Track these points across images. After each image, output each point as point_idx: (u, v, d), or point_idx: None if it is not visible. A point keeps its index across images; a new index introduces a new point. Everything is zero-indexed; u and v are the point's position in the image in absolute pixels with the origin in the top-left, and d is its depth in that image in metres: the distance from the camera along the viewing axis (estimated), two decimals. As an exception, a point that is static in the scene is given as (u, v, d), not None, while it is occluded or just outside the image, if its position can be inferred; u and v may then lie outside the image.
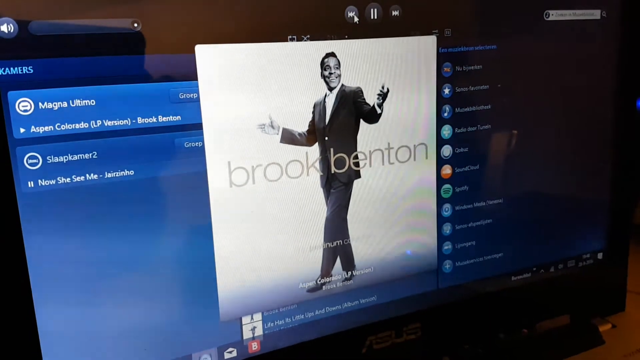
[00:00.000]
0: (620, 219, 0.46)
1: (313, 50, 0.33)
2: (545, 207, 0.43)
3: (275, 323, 0.35)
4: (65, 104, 0.28)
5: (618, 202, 0.45)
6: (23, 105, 0.27)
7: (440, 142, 0.38)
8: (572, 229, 0.44)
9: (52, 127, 0.28)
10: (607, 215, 0.45)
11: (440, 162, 0.38)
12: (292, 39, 0.32)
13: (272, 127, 0.33)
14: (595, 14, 0.41)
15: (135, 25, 0.28)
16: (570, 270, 0.45)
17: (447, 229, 0.39)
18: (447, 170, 0.38)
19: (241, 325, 0.34)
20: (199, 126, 0.31)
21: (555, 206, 0.43)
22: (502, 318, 0.43)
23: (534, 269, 0.43)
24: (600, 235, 0.46)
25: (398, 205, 0.37)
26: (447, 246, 0.40)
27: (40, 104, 0.27)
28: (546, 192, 0.42)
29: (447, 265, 0.40)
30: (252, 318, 0.34)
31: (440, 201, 0.39)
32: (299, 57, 0.33)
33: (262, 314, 0.35)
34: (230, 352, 0.34)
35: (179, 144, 0.30)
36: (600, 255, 0.46)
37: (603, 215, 0.45)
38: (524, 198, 0.42)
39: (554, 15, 0.39)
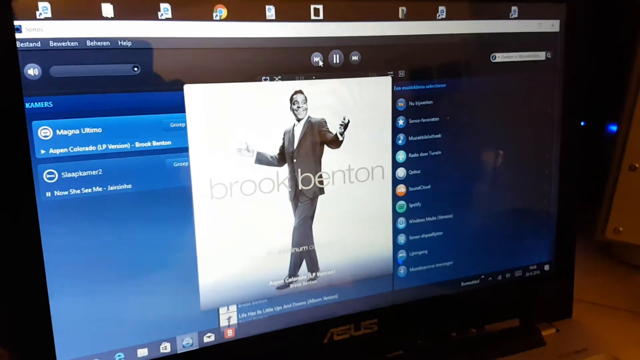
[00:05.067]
0: (565, 235, 0.51)
1: (283, 88, 0.39)
2: (492, 223, 0.48)
3: (249, 314, 0.42)
4: (77, 131, 0.35)
5: (562, 220, 0.51)
6: (44, 132, 0.34)
7: (395, 165, 0.44)
8: (518, 244, 0.50)
9: (66, 149, 0.35)
10: (552, 231, 0.51)
11: (395, 182, 0.44)
12: (265, 79, 0.39)
13: (248, 150, 0.39)
14: (540, 55, 0.47)
15: (135, 69, 0.35)
16: (518, 279, 0.51)
17: (401, 239, 0.46)
18: (401, 189, 0.45)
19: (219, 314, 0.41)
20: (185, 149, 0.38)
21: (502, 223, 0.49)
22: (454, 319, 0.49)
23: (482, 276, 0.49)
24: (546, 249, 0.51)
25: (357, 218, 0.44)
26: (402, 254, 0.46)
27: (57, 131, 0.34)
28: (493, 210, 0.48)
29: (402, 270, 0.46)
30: (228, 309, 0.41)
31: (395, 215, 0.45)
32: (271, 94, 0.39)
33: (237, 305, 0.41)
34: (209, 337, 0.41)
35: (169, 163, 0.37)
36: (547, 267, 0.52)
37: (548, 232, 0.51)
38: (472, 214, 0.47)
39: (500, 57, 0.46)
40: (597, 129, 0.74)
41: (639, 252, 0.65)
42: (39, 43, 0.33)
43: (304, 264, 0.43)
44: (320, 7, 0.39)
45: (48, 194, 0.35)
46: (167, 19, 0.36)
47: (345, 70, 0.41)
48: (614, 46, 0.65)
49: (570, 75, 0.48)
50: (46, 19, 0.33)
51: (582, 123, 0.80)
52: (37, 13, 0.33)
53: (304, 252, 0.43)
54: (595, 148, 0.66)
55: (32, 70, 0.33)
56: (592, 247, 0.69)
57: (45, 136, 0.34)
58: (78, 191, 0.35)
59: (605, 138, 0.71)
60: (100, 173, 0.36)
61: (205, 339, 0.41)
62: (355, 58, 0.41)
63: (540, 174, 0.49)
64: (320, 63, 0.40)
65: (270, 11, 0.38)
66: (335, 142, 0.42)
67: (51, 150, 0.34)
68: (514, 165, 0.48)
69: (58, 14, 0.33)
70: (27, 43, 0.33)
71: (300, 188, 0.41)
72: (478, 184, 0.47)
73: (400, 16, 0.42)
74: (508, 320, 0.52)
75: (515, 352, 0.48)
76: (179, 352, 0.40)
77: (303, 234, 0.42)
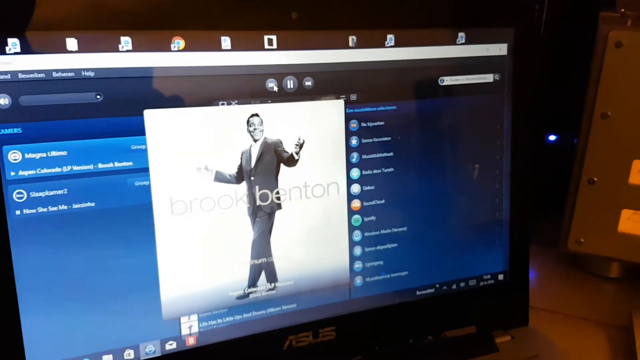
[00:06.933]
0: (518, 247, 0.54)
1: (240, 112, 0.42)
2: (446, 235, 0.51)
3: (209, 323, 0.45)
4: (44, 154, 0.38)
5: (515, 232, 0.54)
6: (13, 156, 0.37)
7: (349, 181, 0.47)
8: (471, 255, 0.52)
9: (34, 171, 0.38)
10: (505, 243, 0.54)
11: (350, 197, 0.47)
12: (222, 104, 0.42)
13: (207, 170, 0.42)
14: (488, 78, 0.50)
15: (98, 97, 0.38)
16: (472, 289, 0.53)
17: (357, 251, 0.48)
18: (356, 203, 0.48)
19: (180, 323, 0.43)
20: (146, 169, 0.40)
21: (455, 235, 0.51)
22: (410, 326, 0.52)
23: (437, 285, 0.52)
24: (500, 259, 0.54)
25: (314, 232, 0.46)
26: (358, 265, 0.49)
27: (26, 154, 0.37)
28: (446, 223, 0.51)
29: (358, 280, 0.49)
30: (189, 318, 0.44)
31: (351, 228, 0.48)
32: (228, 117, 0.42)
33: (198, 315, 0.44)
34: (171, 345, 0.44)
35: (130, 183, 0.40)
36: (501, 277, 0.55)
37: (501, 243, 0.53)
38: (426, 227, 0.50)
39: (448, 80, 0.48)
40: (568, 143, 0.76)
41: (600, 262, 0.68)
42: (9, 75, 0.36)
43: (262, 275, 0.46)
44: (274, 37, 0.42)
45: (17, 212, 0.38)
46: (127, 51, 0.39)
47: (299, 95, 0.44)
48: (578, 62, 0.67)
49: (519, 96, 0.51)
50: (15, 53, 0.36)
51: (555, 137, 0.83)
52: (7, 48, 0.36)
53: (262, 264, 0.45)
54: (566, 161, 0.68)
55: (3, 100, 0.36)
56: (558, 257, 0.72)
57: (15, 159, 0.37)
58: (45, 209, 0.38)
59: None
60: (65, 192, 0.39)
61: (167, 347, 0.44)
62: (308, 83, 0.44)
63: (492, 189, 0.52)
64: (275, 88, 0.43)
65: (226, 41, 0.41)
66: (291, 161, 0.45)
67: (20, 172, 0.37)
68: (465, 181, 0.51)
69: (26, 49, 0.36)
70: (-2, 75, 0.36)
71: (258, 204, 0.44)
72: (430, 198, 0.50)
73: (350, 44, 0.45)
74: (464, 327, 0.54)
75: (468, 358, 0.51)
76: (142, 359, 0.43)
77: (261, 247, 0.45)
